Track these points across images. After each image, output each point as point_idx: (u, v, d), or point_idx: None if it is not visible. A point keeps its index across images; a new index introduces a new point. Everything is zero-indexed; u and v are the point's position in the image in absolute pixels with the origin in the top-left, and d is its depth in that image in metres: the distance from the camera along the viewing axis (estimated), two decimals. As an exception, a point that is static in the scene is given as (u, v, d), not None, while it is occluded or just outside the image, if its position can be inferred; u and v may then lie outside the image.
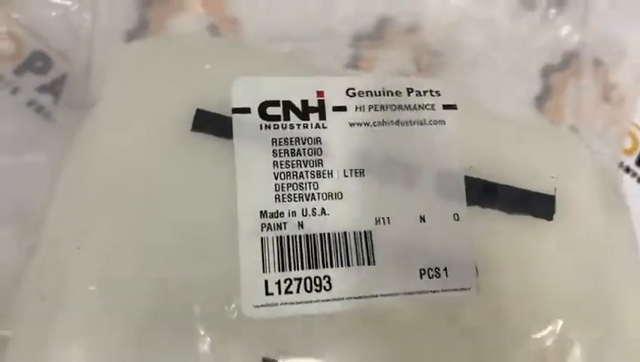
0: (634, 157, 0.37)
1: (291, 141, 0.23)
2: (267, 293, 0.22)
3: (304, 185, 0.23)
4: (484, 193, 0.24)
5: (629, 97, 0.36)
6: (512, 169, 0.25)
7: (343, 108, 0.24)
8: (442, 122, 0.25)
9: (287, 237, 0.22)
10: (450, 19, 0.34)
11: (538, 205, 0.25)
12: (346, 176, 0.24)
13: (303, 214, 0.23)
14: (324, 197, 0.23)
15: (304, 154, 0.23)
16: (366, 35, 0.32)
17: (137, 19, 0.30)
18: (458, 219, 0.24)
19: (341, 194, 0.23)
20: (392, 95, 0.25)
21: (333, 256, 0.23)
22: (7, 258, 0.26)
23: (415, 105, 0.25)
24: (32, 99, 0.29)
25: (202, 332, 0.21)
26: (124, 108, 0.24)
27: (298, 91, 0.24)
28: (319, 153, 0.23)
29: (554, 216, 0.25)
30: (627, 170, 0.37)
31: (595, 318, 0.25)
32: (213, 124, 0.23)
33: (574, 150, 0.28)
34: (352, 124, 0.24)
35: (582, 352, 0.24)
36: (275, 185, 0.23)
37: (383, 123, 0.24)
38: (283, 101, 0.24)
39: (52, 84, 0.29)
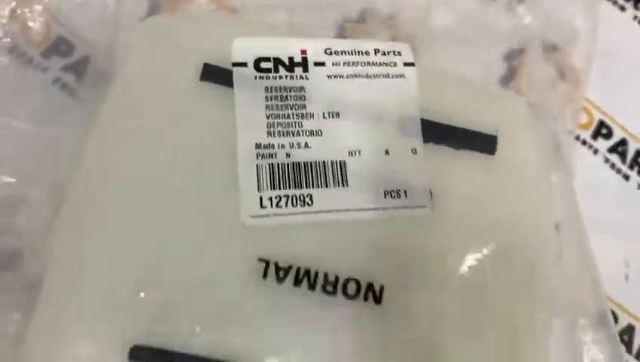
0: (589, 132, 0.42)
1: (280, 89, 0.29)
2: (261, 206, 0.28)
3: (290, 124, 0.29)
4: (436, 132, 0.30)
5: (583, 78, 0.41)
6: (461, 114, 0.31)
7: (322, 64, 0.30)
8: (402, 75, 0.31)
9: (277, 164, 0.28)
10: (423, 7, 0.41)
11: (482, 143, 0.31)
12: (324, 117, 0.29)
13: (290, 147, 0.29)
14: (307, 134, 0.29)
15: (290, 100, 0.29)
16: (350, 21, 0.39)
17: (150, 5, 0.37)
18: (416, 153, 0.30)
19: (320, 131, 0.29)
20: (362, 54, 0.31)
21: (314, 179, 0.28)
22: (41, 216, 0.31)
23: (380, 62, 0.31)
24: (58, 78, 0.34)
25: (210, 238, 0.27)
26: (145, 67, 0.30)
27: (286, 50, 0.30)
28: (303, 99, 0.30)
29: (496, 153, 0.31)
30: (584, 142, 0.43)
31: (527, 246, 0.30)
32: (217, 74, 0.29)
33: (516, 106, 0.34)
34: (329, 76, 0.30)
35: (515, 273, 0.29)
36: (267, 123, 0.29)
37: (355, 76, 0.30)
38: (273, 57, 0.30)
39: (75, 65, 0.34)
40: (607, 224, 0.38)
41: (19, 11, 0.34)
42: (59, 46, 0.35)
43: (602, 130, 0.43)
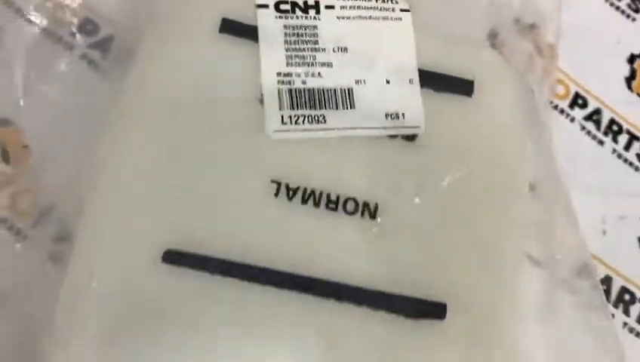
0: (567, 102, 0.47)
1: (296, 27, 0.35)
2: (282, 123, 0.33)
3: (305, 57, 0.35)
4: (420, 77, 0.36)
5: (557, 53, 0.45)
6: (442, 63, 0.36)
7: (332, 7, 0.36)
8: (400, 19, 0.36)
9: (295, 89, 0.34)
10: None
11: (461, 86, 0.36)
12: (334, 51, 0.35)
13: (305, 75, 0.34)
14: (319, 65, 0.35)
15: (305, 36, 0.35)
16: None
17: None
18: (412, 83, 0.35)
19: (331, 63, 0.35)
20: (366, 0, 0.37)
21: (326, 102, 0.34)
22: (70, 175, 0.35)
23: (381, 7, 0.36)
24: (84, 54, 0.39)
25: (230, 165, 0.32)
26: (172, 22, 0.35)
27: (301, -5, 0.36)
28: (315, 36, 0.35)
29: (472, 95, 0.36)
30: (562, 111, 0.46)
31: (500, 173, 0.35)
32: (234, 28, 0.35)
33: (492, 57, 0.39)
34: (338, 18, 0.36)
35: (483, 194, 0.34)
36: (286, 55, 0.34)
37: (359, 17, 0.36)
38: (291, 1, 0.36)
39: (101, 43, 0.40)
40: (584, 185, 0.42)
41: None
42: (85, 26, 0.40)
43: (578, 100, 0.47)
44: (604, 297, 0.39)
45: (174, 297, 0.30)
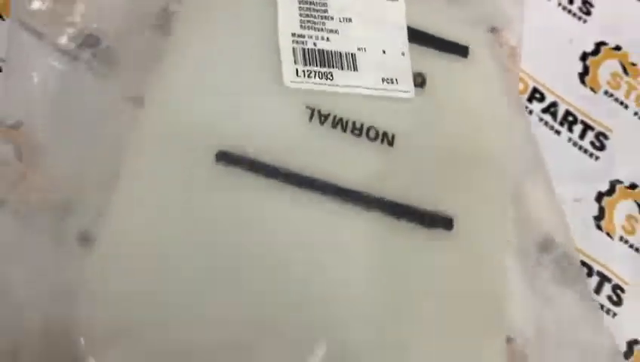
0: (525, 96, 0.53)
1: None
2: (297, 75, 0.39)
3: (316, 22, 0.41)
4: (421, 37, 0.42)
5: (517, 53, 0.51)
6: (439, 29, 0.44)
7: None
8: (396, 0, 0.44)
9: (307, 49, 0.40)
10: None
11: (458, 49, 0.43)
12: (340, 21, 0.42)
13: (315, 38, 0.41)
14: (328, 31, 0.41)
15: (316, 5, 0.42)
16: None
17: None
18: (404, 55, 0.42)
19: (338, 30, 0.41)
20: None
21: (333, 62, 0.40)
22: (74, 160, 0.40)
23: None
24: (88, 62, 0.44)
25: (269, 94, 0.39)
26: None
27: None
28: (325, 6, 0.42)
29: (468, 57, 0.43)
30: None
31: (487, 116, 0.43)
32: None
33: (486, 38, 0.47)
34: None
35: (477, 134, 0.42)
36: (300, 20, 0.41)
37: None
38: None
39: (101, 52, 0.44)
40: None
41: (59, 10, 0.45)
42: (88, 40, 0.45)
43: (536, 94, 0.53)
44: (573, 270, 0.45)
45: (231, 195, 0.36)
